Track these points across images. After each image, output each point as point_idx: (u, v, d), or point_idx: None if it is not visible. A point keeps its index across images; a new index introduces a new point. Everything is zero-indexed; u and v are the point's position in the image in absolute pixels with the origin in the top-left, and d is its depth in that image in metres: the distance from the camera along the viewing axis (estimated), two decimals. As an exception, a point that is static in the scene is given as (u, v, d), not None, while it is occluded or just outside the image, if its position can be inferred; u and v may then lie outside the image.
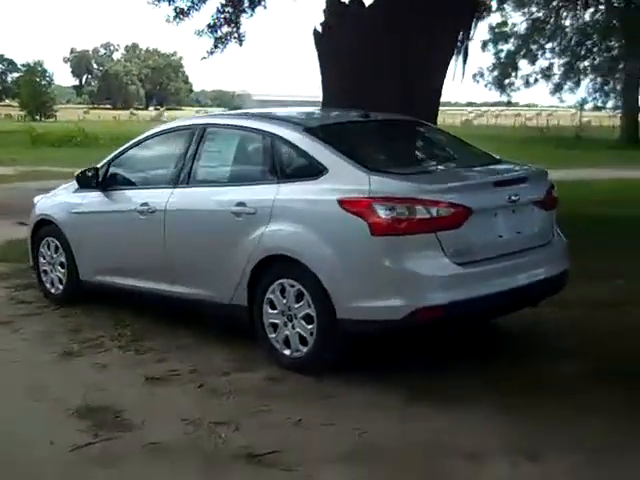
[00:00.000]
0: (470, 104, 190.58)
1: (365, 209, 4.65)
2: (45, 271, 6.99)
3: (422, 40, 10.75)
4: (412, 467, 3.89)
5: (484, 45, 39.91)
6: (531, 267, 5.08)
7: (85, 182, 6.40)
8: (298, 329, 5.03)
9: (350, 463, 3.92)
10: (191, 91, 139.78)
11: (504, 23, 39.82)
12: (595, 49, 38.86)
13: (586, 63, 39.88)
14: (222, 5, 11.68)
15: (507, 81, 40.04)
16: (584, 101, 40.24)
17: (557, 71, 40.11)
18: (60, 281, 6.84)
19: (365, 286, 4.71)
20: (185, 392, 4.91)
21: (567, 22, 38.10)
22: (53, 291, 6.93)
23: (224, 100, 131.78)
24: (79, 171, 6.44)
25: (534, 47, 39.79)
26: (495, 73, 39.94)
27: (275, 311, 5.15)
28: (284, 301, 5.07)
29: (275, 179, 5.24)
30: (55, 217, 6.75)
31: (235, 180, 5.60)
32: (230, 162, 5.70)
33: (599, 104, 40.08)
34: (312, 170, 5.04)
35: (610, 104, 40.14)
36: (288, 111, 6.14)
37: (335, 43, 11.39)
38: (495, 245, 4.92)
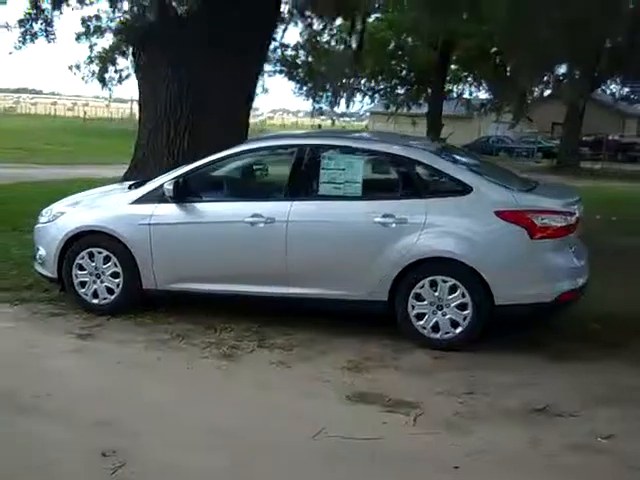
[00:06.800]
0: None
1: (523, 218, 6.14)
2: (83, 283, 6.92)
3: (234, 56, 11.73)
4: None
5: (78, 38, 40.19)
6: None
7: (175, 194, 6.61)
8: (450, 315, 6.27)
9: (605, 406, 5.30)
10: None
11: (98, 17, 40.48)
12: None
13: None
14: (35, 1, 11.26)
15: (108, 75, 40.72)
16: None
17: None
18: (110, 291, 6.88)
19: (522, 277, 6.18)
20: (392, 374, 5.83)
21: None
22: (96, 302, 6.93)
23: None
24: (173, 183, 6.61)
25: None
26: (92, 66, 40.33)
27: (423, 303, 6.30)
28: (435, 294, 6.27)
29: (420, 195, 6.38)
30: (113, 228, 6.77)
31: (371, 196, 6.52)
32: (358, 180, 6.49)
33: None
34: (458, 188, 6.33)
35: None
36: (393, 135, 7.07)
37: (154, 57, 11.83)
38: (579, 247, 6.72)
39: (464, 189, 6.31)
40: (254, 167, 7.29)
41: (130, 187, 7.23)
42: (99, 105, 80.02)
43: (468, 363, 6.10)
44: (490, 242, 6.19)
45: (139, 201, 6.83)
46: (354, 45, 20.33)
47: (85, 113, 61.08)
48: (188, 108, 11.48)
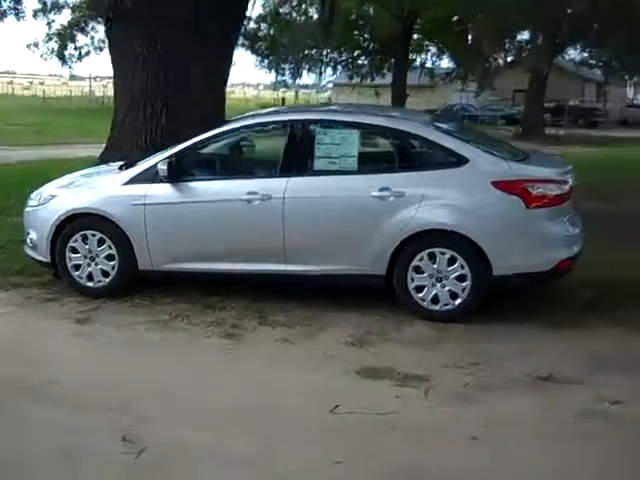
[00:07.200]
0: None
1: (519, 188, 6.18)
2: (77, 266, 6.85)
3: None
4: None
5: (35, 15, 39.44)
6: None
7: (168, 174, 6.55)
8: (449, 287, 6.31)
9: (606, 371, 5.40)
10: None
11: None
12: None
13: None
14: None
15: (67, 52, 40.13)
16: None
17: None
18: (105, 274, 6.81)
19: (521, 247, 6.24)
20: (396, 347, 5.87)
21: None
22: (91, 285, 6.86)
23: None
24: (166, 163, 6.53)
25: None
26: (51, 44, 39.74)
27: (422, 275, 6.34)
28: (434, 266, 6.30)
29: (416, 168, 6.40)
30: (106, 210, 6.69)
31: (368, 170, 6.52)
32: (354, 154, 6.45)
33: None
34: (454, 159, 6.35)
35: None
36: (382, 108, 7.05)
37: (129, 34, 11.57)
38: (573, 215, 6.78)
39: (460, 160, 6.33)
40: (248, 144, 7.23)
41: (121, 168, 7.13)
42: (56, 83, 78.69)
43: (469, 334, 6.15)
44: (487, 213, 6.23)
45: (132, 182, 6.75)
46: (324, 16, 20.11)
47: (44, 92, 59.91)
48: (165, 85, 11.28)
